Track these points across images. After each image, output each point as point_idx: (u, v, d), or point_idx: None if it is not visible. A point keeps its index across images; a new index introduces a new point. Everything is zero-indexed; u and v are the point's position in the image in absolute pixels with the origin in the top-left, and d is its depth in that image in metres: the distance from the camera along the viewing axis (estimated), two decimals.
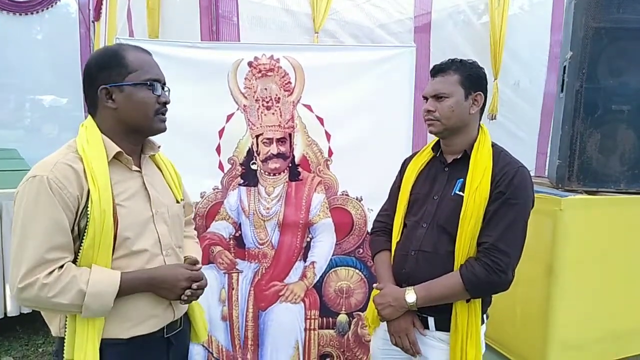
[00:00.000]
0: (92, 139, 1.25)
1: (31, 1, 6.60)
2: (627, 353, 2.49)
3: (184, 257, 1.45)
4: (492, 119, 3.71)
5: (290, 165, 2.34)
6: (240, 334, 2.37)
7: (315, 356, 2.40)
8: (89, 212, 1.17)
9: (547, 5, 3.91)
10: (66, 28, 6.85)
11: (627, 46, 2.32)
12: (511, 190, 1.45)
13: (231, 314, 2.35)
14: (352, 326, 2.42)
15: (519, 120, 3.96)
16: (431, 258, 1.53)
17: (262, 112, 2.29)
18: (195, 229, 1.76)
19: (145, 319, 1.29)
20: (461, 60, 1.57)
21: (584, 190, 2.37)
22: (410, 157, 1.77)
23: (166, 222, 1.36)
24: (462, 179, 1.53)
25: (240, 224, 2.34)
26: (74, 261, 1.20)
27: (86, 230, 1.18)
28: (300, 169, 2.35)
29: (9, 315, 3.09)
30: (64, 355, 1.21)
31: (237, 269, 2.35)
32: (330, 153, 2.35)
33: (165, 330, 1.34)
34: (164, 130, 1.33)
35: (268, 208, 2.33)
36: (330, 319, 2.41)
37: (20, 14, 6.56)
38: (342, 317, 2.42)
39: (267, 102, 2.29)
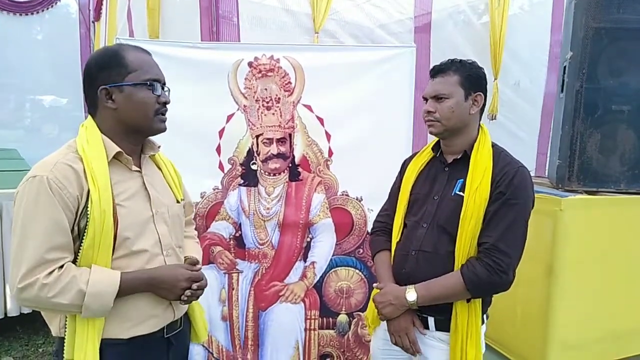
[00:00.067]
0: (92, 139, 1.25)
1: (31, 1, 6.61)
2: (627, 353, 2.49)
3: (184, 257, 1.45)
4: (492, 119, 3.71)
5: (290, 165, 2.34)
6: (240, 334, 2.37)
7: (315, 356, 2.40)
8: (88, 212, 1.17)
9: (547, 5, 3.91)
10: (66, 28, 6.86)
11: (627, 46, 2.32)
12: (511, 190, 1.45)
13: (231, 314, 2.35)
14: (352, 326, 2.42)
15: (519, 121, 3.96)
16: (431, 258, 1.53)
17: (262, 113, 2.29)
18: (195, 229, 1.76)
19: (145, 319, 1.29)
20: (461, 60, 1.57)
21: (584, 190, 2.37)
22: (410, 158, 1.77)
23: (166, 222, 1.36)
24: (462, 179, 1.53)
25: (240, 224, 2.34)
26: (74, 261, 1.20)
27: (86, 230, 1.18)
28: (300, 169, 2.35)
29: (9, 315, 3.09)
30: (64, 355, 1.21)
31: (237, 269, 2.35)
32: (330, 153, 2.35)
33: (165, 330, 1.34)
34: (164, 130, 1.33)
35: (268, 208, 2.33)
36: (331, 319, 2.41)
37: (21, 14, 6.57)
38: (342, 317, 2.42)
39: (267, 102, 2.29)
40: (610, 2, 2.29)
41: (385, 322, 1.62)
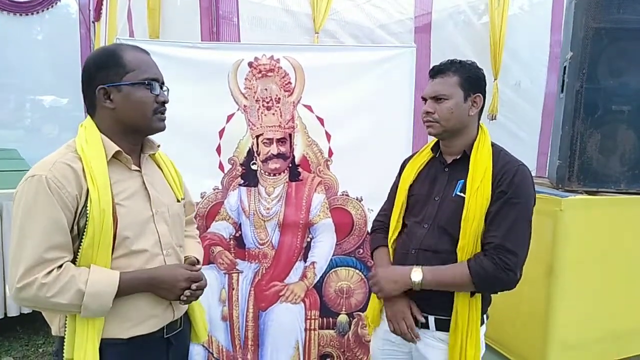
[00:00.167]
0: (91, 138, 1.25)
1: (31, 1, 6.62)
2: (627, 353, 2.49)
3: (184, 257, 1.45)
4: (492, 119, 3.71)
5: (290, 165, 2.34)
6: (240, 334, 2.37)
7: (315, 356, 2.40)
8: (88, 212, 1.17)
9: (547, 5, 3.91)
10: (66, 28, 6.87)
11: (627, 46, 2.32)
12: (513, 189, 1.45)
13: (231, 314, 2.35)
14: (352, 326, 2.42)
15: (519, 121, 3.96)
16: (432, 257, 1.53)
17: (262, 113, 2.29)
18: (197, 228, 1.76)
19: (145, 319, 1.29)
20: (460, 61, 1.56)
21: (584, 190, 2.37)
22: (409, 158, 1.77)
23: (166, 221, 1.36)
24: (462, 180, 1.53)
25: (240, 224, 2.34)
26: (74, 261, 1.20)
27: (85, 230, 1.18)
28: (300, 169, 2.35)
29: (9, 315, 3.08)
30: (64, 354, 1.21)
31: (237, 269, 2.35)
32: (330, 153, 2.35)
33: (165, 330, 1.34)
34: (163, 129, 1.33)
35: (268, 208, 2.33)
36: (331, 319, 2.41)
37: (21, 15, 6.57)
38: (343, 317, 2.42)
39: (268, 103, 2.29)
40: (610, 2, 2.29)
41: (385, 322, 1.62)
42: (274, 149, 2.31)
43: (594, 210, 2.33)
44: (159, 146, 1.43)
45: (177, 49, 2.24)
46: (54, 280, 1.14)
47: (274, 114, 2.30)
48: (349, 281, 2.40)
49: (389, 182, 1.82)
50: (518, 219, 1.44)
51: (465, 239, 1.47)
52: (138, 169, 1.33)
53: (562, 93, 2.48)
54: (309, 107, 2.31)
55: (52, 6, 6.75)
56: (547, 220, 2.25)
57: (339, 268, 2.39)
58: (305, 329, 2.39)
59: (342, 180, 2.37)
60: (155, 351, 1.33)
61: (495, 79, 3.66)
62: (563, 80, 2.47)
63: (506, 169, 1.48)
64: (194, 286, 1.31)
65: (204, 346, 2.33)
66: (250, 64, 2.26)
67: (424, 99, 1.58)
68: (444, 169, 1.61)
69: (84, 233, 1.18)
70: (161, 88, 1.32)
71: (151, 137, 1.39)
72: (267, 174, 2.33)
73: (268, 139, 2.30)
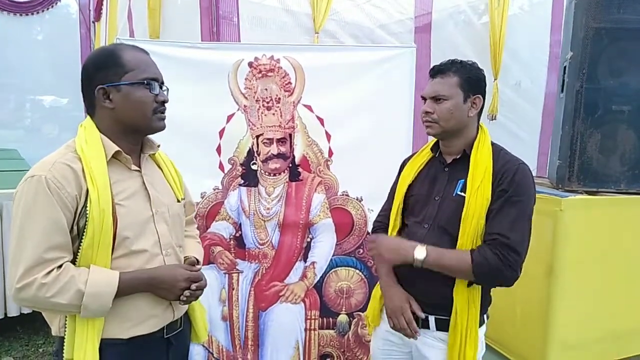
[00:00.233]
0: (90, 138, 1.25)
1: (32, 1, 6.62)
2: (627, 353, 2.49)
3: (184, 257, 1.45)
4: (492, 119, 3.72)
5: (290, 165, 2.34)
6: (240, 334, 2.37)
7: (315, 356, 2.40)
8: (87, 212, 1.17)
9: (547, 5, 3.91)
10: (66, 28, 6.87)
11: (627, 46, 2.33)
12: (514, 187, 1.44)
13: (231, 314, 2.35)
14: (352, 326, 2.42)
15: (520, 121, 3.96)
16: None
17: (262, 113, 2.29)
18: (197, 228, 1.76)
19: (145, 319, 1.29)
20: (461, 61, 1.56)
21: (584, 190, 2.37)
22: (409, 158, 1.77)
23: (166, 221, 1.36)
24: (462, 180, 1.52)
25: (240, 224, 2.34)
26: (73, 261, 1.20)
27: (85, 230, 1.18)
28: (300, 169, 2.35)
29: (9, 315, 3.08)
30: (64, 355, 1.20)
31: (237, 269, 2.35)
32: (330, 153, 2.35)
33: (165, 330, 1.34)
34: (162, 128, 1.33)
35: (268, 208, 2.33)
36: (331, 319, 2.41)
37: (21, 15, 6.58)
38: (343, 317, 2.42)
39: (268, 103, 2.29)
40: (611, 2, 2.29)
41: (385, 322, 1.63)
42: (274, 149, 2.31)
43: (594, 210, 2.33)
44: (158, 146, 1.43)
45: (177, 49, 2.24)
46: (53, 281, 1.14)
47: (274, 114, 2.30)
48: (349, 281, 2.40)
49: (389, 182, 1.82)
50: (519, 217, 1.44)
51: (464, 237, 1.47)
52: (138, 169, 1.33)
53: (562, 93, 2.48)
54: (309, 107, 2.31)
55: (52, 6, 6.76)
56: (547, 220, 2.25)
57: (339, 268, 2.39)
58: (305, 329, 2.39)
59: (342, 180, 2.37)
60: (155, 351, 1.33)
61: (495, 79, 3.66)
62: (563, 80, 2.47)
63: (507, 168, 1.47)
64: (193, 286, 1.31)
65: (204, 346, 2.33)
66: (250, 64, 2.26)
67: (424, 98, 1.58)
68: (443, 169, 1.60)
69: (84, 233, 1.18)
70: (161, 88, 1.32)
71: (151, 137, 1.39)
72: (267, 174, 2.33)
73: (268, 139, 2.30)
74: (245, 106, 2.28)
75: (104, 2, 5.36)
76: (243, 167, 2.32)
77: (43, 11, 6.71)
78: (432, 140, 1.68)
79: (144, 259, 1.28)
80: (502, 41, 3.61)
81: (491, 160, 1.49)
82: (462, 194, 1.50)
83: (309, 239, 2.37)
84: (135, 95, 1.26)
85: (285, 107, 2.30)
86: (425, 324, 1.56)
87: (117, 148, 1.26)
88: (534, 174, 1.57)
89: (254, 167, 2.32)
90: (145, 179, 1.33)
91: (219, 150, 2.30)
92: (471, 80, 1.53)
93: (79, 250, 1.19)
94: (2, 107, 6.60)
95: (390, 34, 3.47)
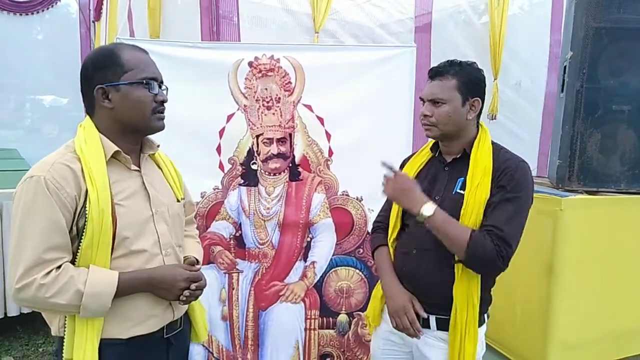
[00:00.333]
0: (90, 138, 1.24)
1: (31, 1, 6.62)
2: (627, 353, 2.49)
3: (184, 257, 1.45)
4: (492, 119, 3.72)
5: (290, 165, 2.34)
6: (240, 334, 2.37)
7: (315, 356, 2.40)
8: (87, 212, 1.17)
9: (547, 5, 3.91)
10: (66, 28, 6.87)
11: (627, 46, 2.33)
12: (513, 184, 1.44)
13: (231, 314, 2.35)
14: (352, 326, 2.42)
15: (520, 121, 3.96)
16: (432, 256, 1.52)
17: (262, 112, 2.29)
18: (197, 228, 1.76)
19: (144, 319, 1.28)
20: (460, 62, 1.54)
21: (584, 190, 2.37)
22: (408, 158, 1.77)
23: (166, 221, 1.36)
24: (462, 178, 1.52)
25: (240, 223, 2.34)
26: (73, 261, 1.20)
27: (84, 230, 1.17)
28: (300, 169, 2.35)
29: (9, 315, 3.08)
30: (63, 355, 1.20)
31: (237, 269, 2.35)
32: (330, 153, 2.35)
33: (165, 330, 1.34)
34: (162, 128, 1.33)
35: (268, 208, 2.33)
36: (331, 319, 2.41)
37: (21, 14, 6.57)
38: (343, 317, 2.42)
39: (268, 102, 2.29)
40: (611, 2, 2.29)
41: (385, 321, 1.63)
42: (274, 149, 2.31)
43: (594, 210, 2.33)
44: (158, 146, 1.43)
45: (177, 48, 2.24)
46: (52, 281, 1.14)
47: (274, 113, 2.30)
48: (349, 281, 2.40)
49: None
50: (516, 212, 1.44)
51: None
52: (137, 168, 1.33)
53: (562, 93, 2.48)
54: (309, 107, 2.31)
55: (52, 6, 6.75)
56: (547, 220, 2.25)
57: (339, 268, 2.39)
58: (305, 329, 2.39)
59: (342, 180, 2.37)
60: (155, 351, 1.33)
61: (495, 79, 3.66)
62: (563, 80, 2.47)
63: (507, 165, 1.47)
64: (193, 286, 1.31)
65: (204, 346, 2.33)
66: (250, 64, 2.26)
67: (422, 100, 1.57)
68: (443, 168, 1.60)
69: (83, 233, 1.18)
70: (160, 87, 1.31)
71: (151, 136, 1.39)
72: (267, 173, 2.33)
73: (268, 138, 2.30)
74: (245, 106, 2.28)
75: (104, 2, 5.36)
76: (243, 167, 2.32)
77: (43, 11, 6.71)
78: (431, 140, 1.68)
79: (143, 259, 1.28)
80: (502, 41, 3.61)
81: (491, 159, 1.50)
82: (462, 191, 1.50)
83: (309, 239, 2.37)
84: (134, 94, 1.26)
85: (285, 106, 2.30)
86: (426, 324, 1.56)
87: (117, 148, 1.26)
88: (534, 173, 1.57)
89: (254, 166, 2.32)
90: (145, 179, 1.33)
91: (219, 150, 2.30)
92: (470, 82, 1.52)
93: (79, 251, 1.19)
94: (2, 107, 6.60)
95: (391, 33, 3.47)
